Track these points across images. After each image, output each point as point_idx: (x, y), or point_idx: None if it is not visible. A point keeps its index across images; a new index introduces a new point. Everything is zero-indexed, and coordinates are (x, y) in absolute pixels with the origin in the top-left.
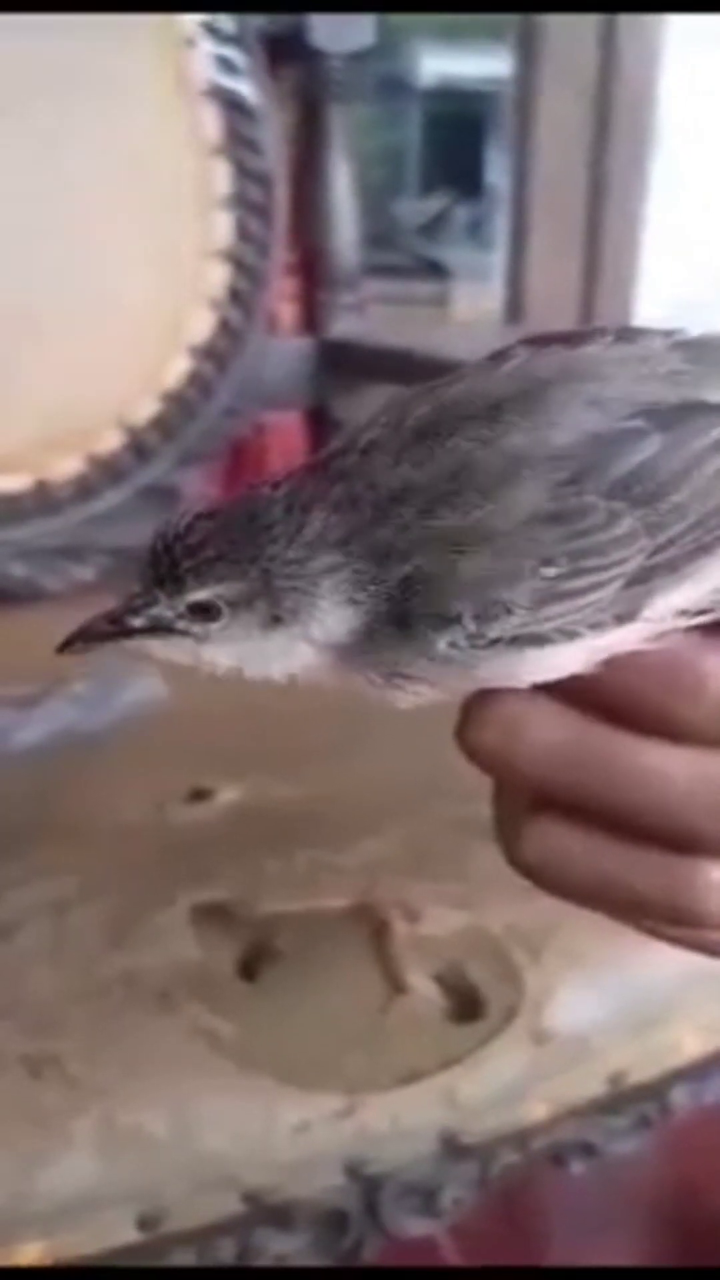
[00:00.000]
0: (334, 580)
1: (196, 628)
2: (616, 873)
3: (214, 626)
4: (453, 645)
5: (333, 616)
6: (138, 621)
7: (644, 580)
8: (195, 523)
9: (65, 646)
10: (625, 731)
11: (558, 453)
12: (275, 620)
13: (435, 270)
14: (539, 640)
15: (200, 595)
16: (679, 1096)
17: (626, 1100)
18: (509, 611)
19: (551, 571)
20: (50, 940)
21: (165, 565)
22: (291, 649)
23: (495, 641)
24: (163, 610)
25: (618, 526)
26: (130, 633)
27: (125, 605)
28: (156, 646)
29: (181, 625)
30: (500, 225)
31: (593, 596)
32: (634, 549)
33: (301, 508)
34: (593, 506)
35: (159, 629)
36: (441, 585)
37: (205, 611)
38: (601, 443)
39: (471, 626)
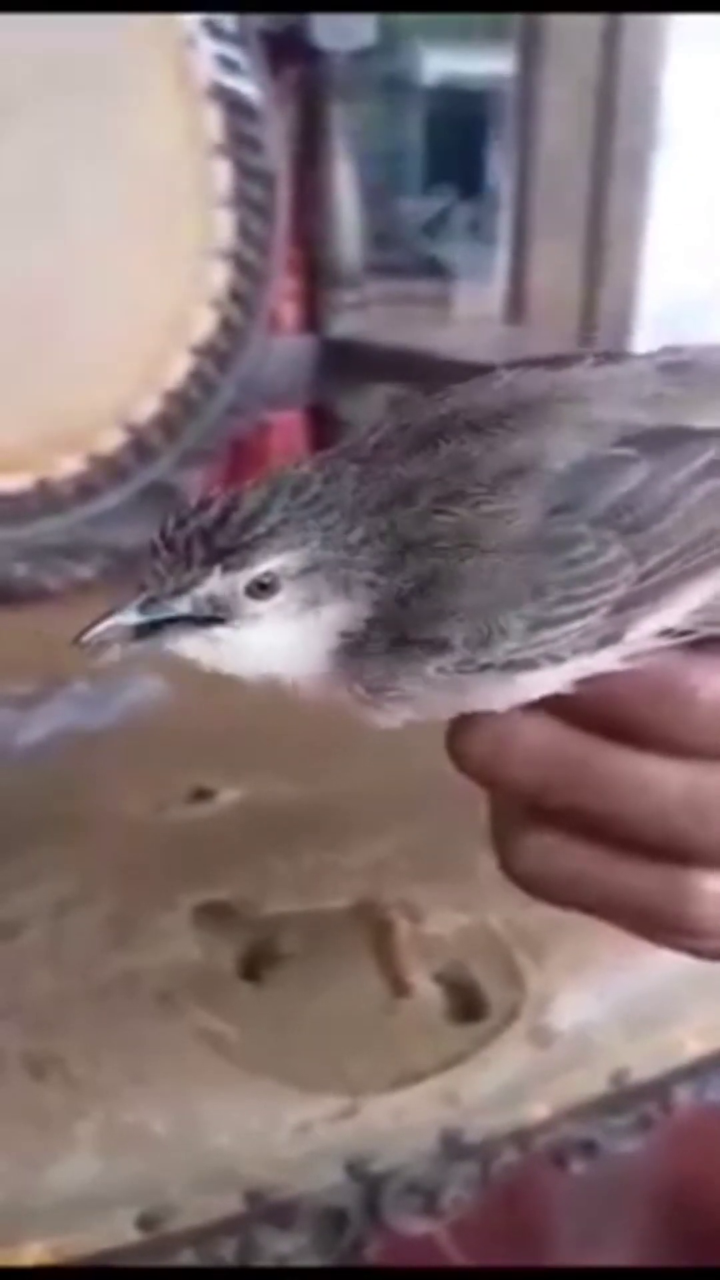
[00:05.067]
0: (368, 553)
1: (256, 605)
2: (609, 883)
3: (266, 605)
4: (441, 670)
5: (357, 596)
6: (181, 605)
7: (630, 606)
8: (240, 497)
9: (83, 641)
10: (615, 744)
11: (549, 479)
12: (314, 601)
13: (437, 269)
14: (526, 665)
15: (270, 565)
16: (681, 1096)
17: (628, 1100)
18: (501, 639)
19: (544, 600)
20: (52, 940)
21: (225, 539)
22: (312, 640)
23: (485, 667)
24: (213, 590)
25: (606, 554)
26: (167, 621)
27: (156, 593)
28: (184, 641)
29: (236, 606)
30: (502, 224)
31: (581, 623)
32: (621, 576)
33: (337, 477)
34: (583, 535)
35: (213, 610)
36: (438, 611)
37: (263, 588)
38: (590, 469)
39: (463, 653)
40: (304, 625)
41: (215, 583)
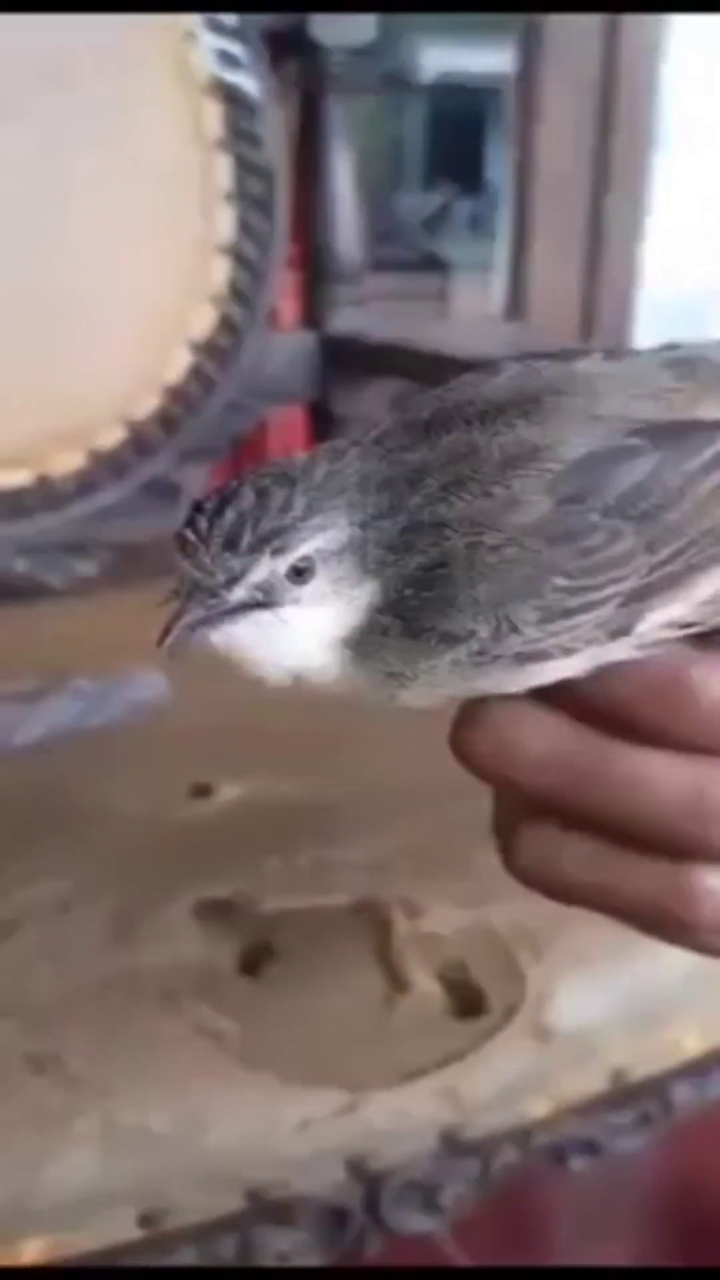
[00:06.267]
0: (378, 529)
1: (296, 590)
2: (609, 880)
3: (305, 589)
4: (456, 662)
5: (376, 576)
6: (236, 594)
7: (641, 598)
8: (262, 483)
9: (166, 645)
10: (618, 740)
11: (558, 468)
12: (345, 582)
13: (437, 265)
14: (540, 656)
15: (310, 547)
16: (681, 1094)
17: (628, 1097)
18: (517, 630)
19: (558, 591)
20: (52, 938)
21: (270, 522)
22: (342, 624)
23: (498, 658)
24: (264, 576)
25: (619, 545)
26: (236, 609)
27: (211, 584)
28: (234, 633)
29: (280, 592)
30: (501, 221)
31: (593, 614)
32: (633, 567)
33: (340, 455)
34: (595, 525)
35: (263, 596)
36: (451, 601)
37: (300, 574)
38: (601, 460)
39: (478, 644)
40: (336, 608)
41: (265, 568)
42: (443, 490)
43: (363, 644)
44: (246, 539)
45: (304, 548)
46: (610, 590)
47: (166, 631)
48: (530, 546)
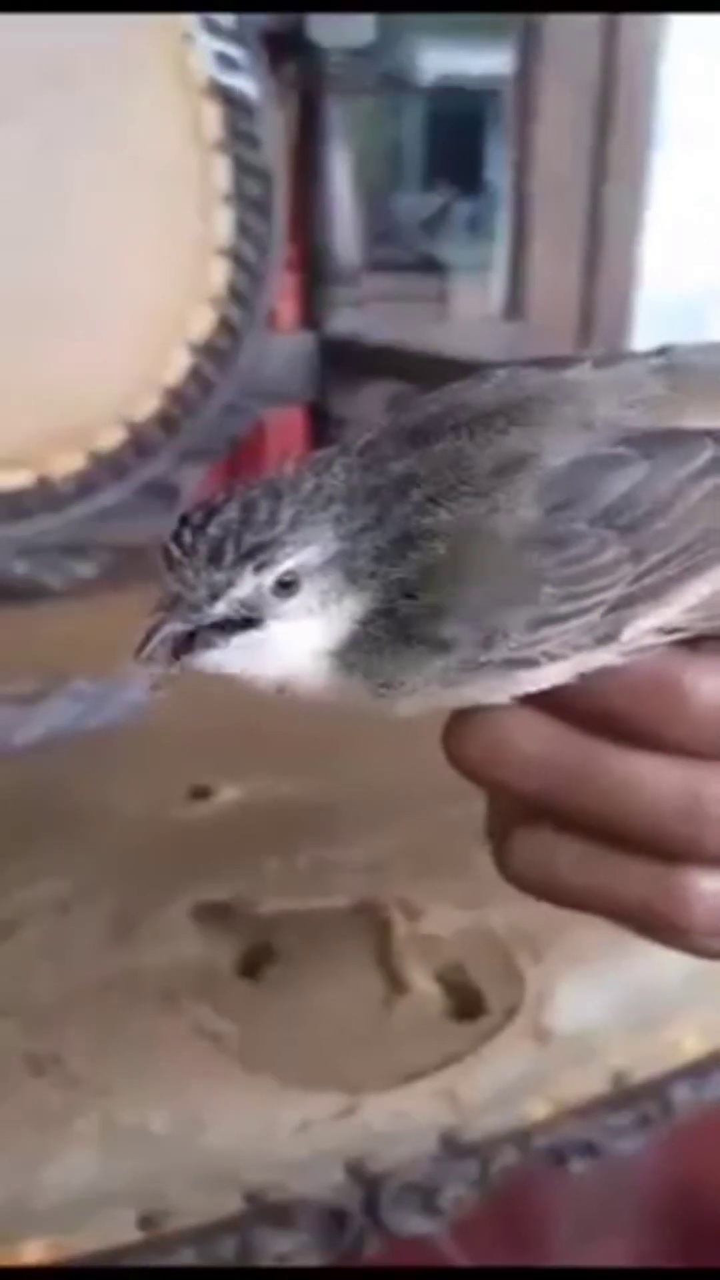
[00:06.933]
0: (367, 541)
1: (281, 605)
2: (602, 883)
3: (291, 604)
4: (445, 669)
5: (364, 587)
6: (218, 608)
7: (627, 606)
8: (251, 496)
9: (143, 657)
10: (610, 742)
11: (548, 477)
12: (332, 595)
13: (435, 266)
14: (526, 663)
15: (294, 561)
16: (680, 1095)
17: (628, 1099)
18: (504, 637)
19: (545, 598)
20: (52, 938)
21: (254, 537)
22: (331, 636)
23: (485, 665)
24: (246, 591)
25: (605, 553)
26: (218, 625)
27: (193, 598)
28: (221, 650)
29: (264, 606)
30: (500, 221)
31: (579, 621)
32: (619, 575)
33: (328, 467)
34: (582, 533)
35: (247, 611)
36: (440, 609)
37: (284, 586)
38: (589, 468)
39: (467, 652)
40: (323, 621)
41: (249, 583)
42: (430, 500)
43: (351, 654)
44: (230, 553)
45: (289, 562)
46: (596, 598)
47: (145, 642)
48: (517, 555)
